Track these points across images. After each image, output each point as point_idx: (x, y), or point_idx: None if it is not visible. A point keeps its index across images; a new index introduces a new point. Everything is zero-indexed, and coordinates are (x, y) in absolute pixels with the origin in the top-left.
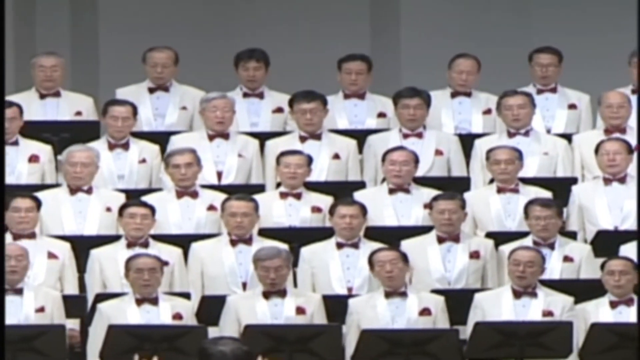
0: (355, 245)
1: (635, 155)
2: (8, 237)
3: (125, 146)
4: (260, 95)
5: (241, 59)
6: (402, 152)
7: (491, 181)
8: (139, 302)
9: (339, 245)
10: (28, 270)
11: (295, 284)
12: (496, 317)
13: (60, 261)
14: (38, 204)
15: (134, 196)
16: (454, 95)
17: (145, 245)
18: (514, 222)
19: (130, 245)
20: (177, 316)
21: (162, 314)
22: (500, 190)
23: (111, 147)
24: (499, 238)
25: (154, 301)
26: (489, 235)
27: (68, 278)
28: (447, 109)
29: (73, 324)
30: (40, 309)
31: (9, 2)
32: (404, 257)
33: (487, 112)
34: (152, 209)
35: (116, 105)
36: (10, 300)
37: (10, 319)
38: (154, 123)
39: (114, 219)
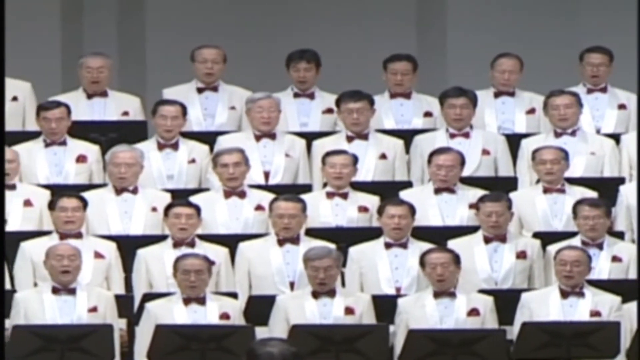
0: (404, 245)
1: None
2: (55, 237)
3: (175, 146)
4: (311, 96)
5: (292, 59)
6: (448, 155)
7: (538, 181)
8: (186, 301)
9: (388, 245)
10: (80, 269)
11: (343, 284)
12: (543, 317)
13: (107, 261)
14: (84, 203)
15: (181, 196)
16: (497, 95)
17: (192, 245)
18: (561, 222)
19: (176, 245)
20: (225, 316)
21: (209, 313)
22: (546, 191)
23: (160, 147)
24: (546, 238)
25: (202, 301)
26: (536, 235)
27: (114, 278)
28: (490, 108)
29: (121, 324)
30: (93, 309)
31: (57, 3)
32: (456, 259)
33: (531, 111)
34: (198, 209)
35: (166, 105)
36: (63, 300)
37: (63, 319)
38: (204, 123)
39: (159, 219)
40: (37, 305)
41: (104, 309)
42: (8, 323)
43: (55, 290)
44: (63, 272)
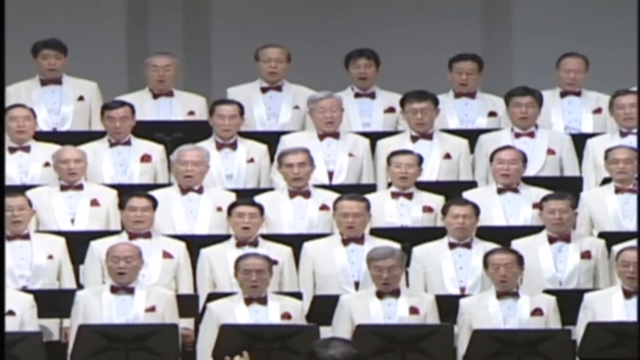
0: (468, 245)
1: None
2: (124, 237)
3: (233, 146)
4: (372, 95)
5: (351, 57)
6: (509, 150)
7: (603, 181)
8: (248, 301)
9: (452, 245)
10: (139, 270)
11: (407, 284)
12: (606, 317)
13: (175, 260)
14: (154, 203)
15: (244, 196)
16: (563, 94)
17: (255, 244)
18: (632, 223)
19: (239, 244)
20: (286, 316)
21: (270, 313)
22: (618, 190)
23: (219, 146)
24: (613, 238)
25: (263, 301)
26: (601, 235)
27: (183, 277)
28: (556, 108)
29: (187, 324)
30: (151, 309)
31: (123, 4)
32: (519, 260)
33: (597, 111)
34: (261, 208)
35: (223, 104)
36: (121, 299)
37: (119, 318)
38: (268, 123)
39: (224, 218)
40: (95, 304)
41: (162, 308)
42: (68, 322)
43: (113, 290)
44: (118, 274)
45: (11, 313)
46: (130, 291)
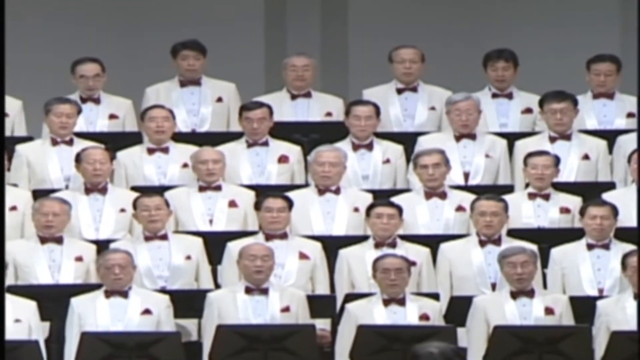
0: (606, 247)
1: None
2: (260, 237)
3: (369, 146)
4: (509, 96)
5: (490, 58)
6: None
7: None
8: (386, 302)
9: (590, 246)
10: (273, 270)
11: (544, 285)
12: None
13: (312, 261)
14: (290, 204)
15: (382, 196)
16: None
17: (393, 245)
18: None
19: (378, 245)
20: (424, 317)
21: (409, 314)
22: None
23: (355, 147)
24: None
25: (402, 301)
26: None
27: (319, 278)
28: None
29: (324, 324)
30: (286, 309)
31: (261, 7)
32: None
33: None
34: (400, 209)
35: (359, 105)
36: (256, 299)
37: (256, 319)
38: (404, 124)
39: (361, 219)
40: (230, 304)
41: (296, 308)
42: (202, 322)
43: (248, 290)
44: (256, 272)
45: (148, 312)
46: (264, 292)
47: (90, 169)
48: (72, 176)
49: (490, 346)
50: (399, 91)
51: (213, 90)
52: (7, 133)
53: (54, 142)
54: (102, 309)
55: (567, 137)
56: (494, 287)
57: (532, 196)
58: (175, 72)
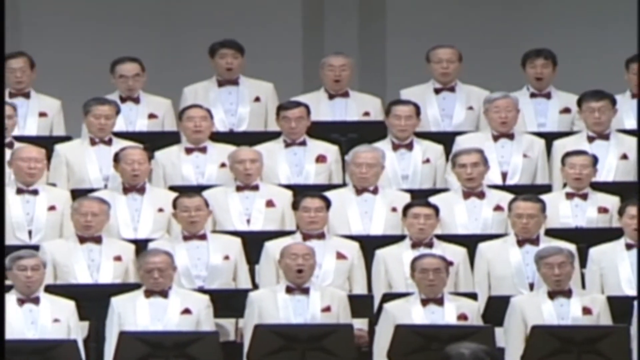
0: None
1: None
2: (298, 237)
3: (409, 146)
4: (548, 96)
5: (529, 57)
6: None
7: None
8: (425, 302)
9: (629, 246)
10: (314, 269)
11: (583, 285)
12: None
13: (349, 261)
14: (327, 203)
15: (419, 196)
16: None
17: (430, 245)
18: None
19: (415, 245)
20: (462, 317)
21: (447, 314)
22: None
23: (395, 147)
24: None
25: (440, 301)
26: None
27: (357, 278)
28: None
29: (361, 324)
30: (327, 309)
31: (298, 8)
32: None
33: None
34: (436, 209)
35: (399, 104)
36: (297, 299)
37: (296, 319)
38: (442, 123)
39: (398, 219)
40: (271, 304)
41: (337, 308)
42: (242, 322)
43: (289, 290)
44: (297, 272)
45: (187, 312)
46: (305, 291)
47: (129, 169)
48: (110, 176)
49: (528, 346)
50: (437, 91)
51: (251, 89)
52: (46, 133)
53: (93, 142)
54: (142, 308)
55: (606, 137)
56: (531, 287)
57: (570, 196)
58: (213, 72)
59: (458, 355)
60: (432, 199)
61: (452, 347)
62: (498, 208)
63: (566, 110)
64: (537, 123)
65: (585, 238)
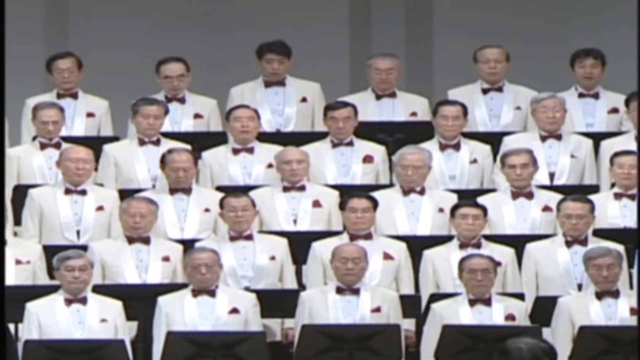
0: None
1: None
2: (345, 238)
3: (457, 146)
4: (596, 96)
5: (578, 56)
6: None
7: None
8: (472, 302)
9: None
10: (365, 271)
11: (630, 286)
12: None
13: (396, 262)
14: (374, 204)
15: (466, 197)
16: None
17: (478, 245)
18: None
19: (462, 245)
20: (510, 317)
21: (495, 314)
22: None
23: (442, 147)
24: None
25: (487, 302)
26: None
27: (404, 279)
28: None
29: (409, 324)
30: (376, 309)
31: (346, 8)
32: None
33: None
34: (485, 210)
35: (446, 105)
36: (347, 300)
37: (346, 319)
38: (489, 124)
39: (446, 220)
40: (321, 304)
41: (387, 309)
42: (290, 322)
43: (339, 290)
44: (347, 275)
45: (235, 311)
46: (356, 292)
47: (174, 175)
48: (159, 176)
49: (576, 346)
50: (485, 91)
51: (297, 90)
52: (94, 133)
53: (141, 142)
54: (189, 307)
55: None
56: (579, 287)
57: (618, 196)
58: (260, 73)
59: (516, 349)
60: (480, 200)
61: (511, 342)
62: (546, 208)
63: (614, 110)
64: (585, 123)
65: (634, 238)
